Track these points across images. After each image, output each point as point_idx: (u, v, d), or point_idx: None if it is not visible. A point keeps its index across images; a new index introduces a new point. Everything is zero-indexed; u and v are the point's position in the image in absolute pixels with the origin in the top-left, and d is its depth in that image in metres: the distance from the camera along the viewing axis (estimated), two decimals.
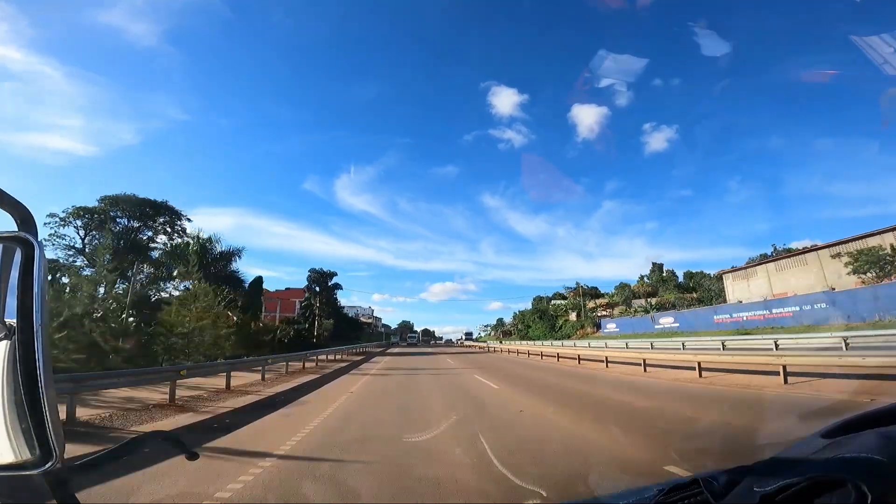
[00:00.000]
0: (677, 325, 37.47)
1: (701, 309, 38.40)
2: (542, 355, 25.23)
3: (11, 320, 0.83)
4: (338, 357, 26.74)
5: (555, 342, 40.46)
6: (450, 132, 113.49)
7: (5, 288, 0.84)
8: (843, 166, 71.66)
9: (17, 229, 0.83)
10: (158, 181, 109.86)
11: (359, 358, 27.89)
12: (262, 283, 34.15)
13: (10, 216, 0.84)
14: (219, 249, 32.49)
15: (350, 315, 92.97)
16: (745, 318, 31.65)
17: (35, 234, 0.81)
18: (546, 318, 66.96)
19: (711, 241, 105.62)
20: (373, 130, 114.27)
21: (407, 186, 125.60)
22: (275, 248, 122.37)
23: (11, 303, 0.84)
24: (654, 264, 63.46)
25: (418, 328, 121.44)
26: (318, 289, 59.07)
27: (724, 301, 38.24)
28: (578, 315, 59.51)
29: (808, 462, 0.73)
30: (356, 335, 77.19)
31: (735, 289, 38.86)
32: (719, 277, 42.14)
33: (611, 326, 49.79)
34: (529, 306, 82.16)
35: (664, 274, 59.53)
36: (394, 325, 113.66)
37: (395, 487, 3.75)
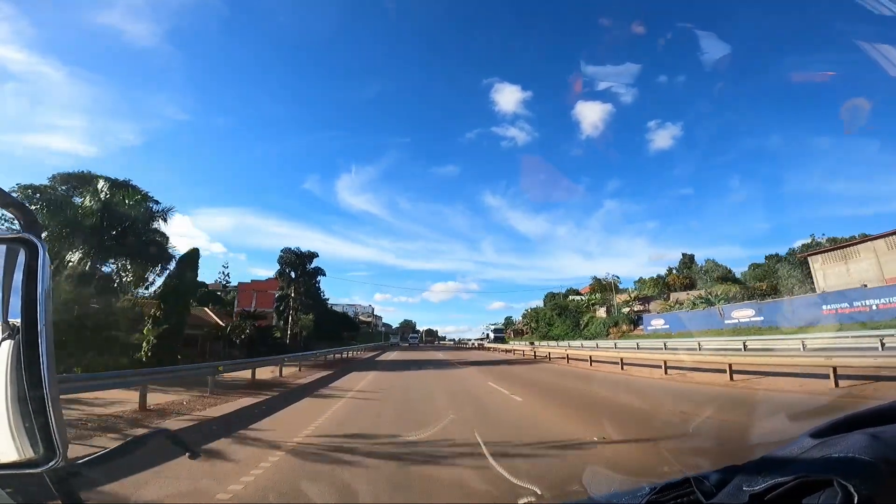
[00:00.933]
0: (760, 318, 33.21)
1: (797, 298, 33.50)
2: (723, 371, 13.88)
3: (16, 320, 0.95)
4: (275, 376, 18.79)
5: (586, 342, 39.07)
6: (451, 130, 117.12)
7: (9, 288, 0.97)
8: (843, 165, 70.69)
9: (20, 230, 0.95)
10: (160, 181, 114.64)
11: (314, 377, 18.83)
12: (197, 257, 25.50)
13: (13, 217, 0.96)
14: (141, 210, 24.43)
15: (348, 313, 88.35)
16: (874, 307, 26.02)
17: (39, 236, 0.93)
18: (567, 315, 64.59)
19: (712, 241, 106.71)
20: (373, 130, 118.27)
21: (408, 186, 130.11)
22: (275, 248, 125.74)
23: (16, 303, 0.96)
24: (683, 255, 63.71)
25: (420, 328, 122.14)
26: (293, 275, 49.36)
27: (812, 289, 34.45)
28: (608, 311, 57.84)
29: (797, 462, 0.81)
30: (350, 335, 70.84)
31: (826, 274, 34.25)
32: (803, 261, 37.88)
33: (657, 323, 44.91)
34: (542, 304, 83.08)
35: (705, 264, 57.94)
36: (395, 325, 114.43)
37: None
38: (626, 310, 54.83)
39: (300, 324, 47.14)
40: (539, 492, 3.31)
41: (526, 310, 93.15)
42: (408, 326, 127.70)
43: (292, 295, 47.87)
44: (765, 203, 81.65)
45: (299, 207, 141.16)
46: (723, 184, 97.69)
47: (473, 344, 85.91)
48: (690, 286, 53.20)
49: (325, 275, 52.78)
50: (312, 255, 51.49)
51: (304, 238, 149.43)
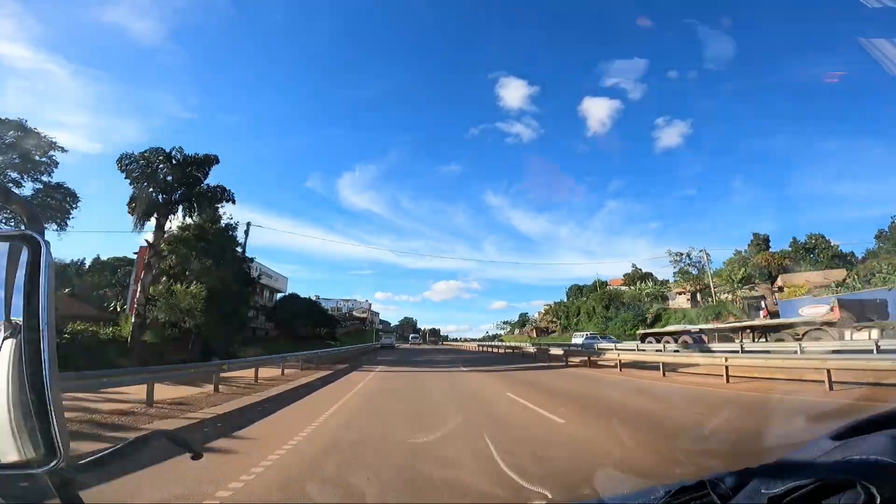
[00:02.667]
0: None
1: None
2: None
3: (18, 319, 0.92)
4: None
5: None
6: (455, 127, 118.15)
7: (12, 286, 0.94)
8: (849, 167, 73.04)
9: (24, 228, 0.93)
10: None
11: None
12: None
13: (17, 214, 0.94)
14: None
15: (323, 305, 68.41)
16: None
17: (42, 233, 0.92)
18: (621, 307, 55.35)
19: (713, 241, 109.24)
20: (376, 128, 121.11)
21: (410, 184, 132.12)
22: (277, 245, 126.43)
23: (18, 301, 0.94)
24: (755, 235, 57.53)
25: (422, 326, 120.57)
26: (161, 198, 27.29)
27: None
28: (693, 300, 50.85)
29: (817, 464, 0.80)
30: (327, 331, 54.73)
31: None
32: None
33: (814, 311, 28.05)
34: (550, 301, 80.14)
35: (808, 241, 52.11)
36: (393, 323, 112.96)
37: None
38: (725, 296, 46.12)
39: (179, 297, 25.76)
40: (549, 495, 3.27)
41: (547, 305, 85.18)
42: (408, 324, 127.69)
43: (150, 240, 27.60)
44: (772, 204, 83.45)
45: (302, 205, 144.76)
46: (727, 185, 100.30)
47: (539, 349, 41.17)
48: (785, 269, 48.35)
49: (233, 202, 30.40)
50: (206, 162, 28.12)
51: (305, 236, 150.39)
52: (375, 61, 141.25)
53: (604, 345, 32.73)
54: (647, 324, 47.16)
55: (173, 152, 25.60)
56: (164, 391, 13.12)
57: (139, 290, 24.83)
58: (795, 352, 18.09)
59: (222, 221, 29.09)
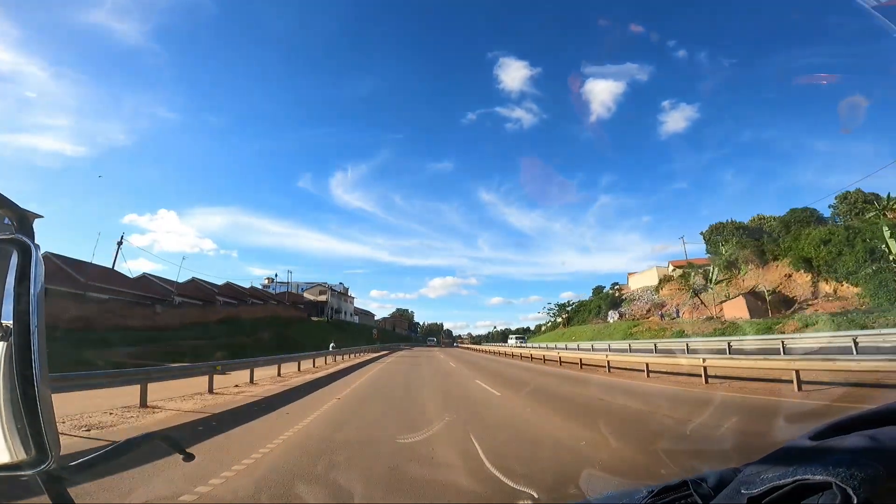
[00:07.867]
0: None
1: None
2: None
3: (8, 322, 0.92)
4: None
5: None
6: (449, 118, 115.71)
7: (1, 290, 0.94)
8: (839, 162, 73.82)
9: (13, 232, 0.92)
10: (150, 181, 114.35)
11: None
12: None
13: (5, 218, 0.93)
14: None
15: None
16: None
17: (31, 237, 0.91)
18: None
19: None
20: (367, 126, 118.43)
21: (402, 182, 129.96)
22: (270, 247, 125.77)
23: (7, 305, 0.93)
24: None
25: (419, 321, 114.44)
26: None
27: None
28: None
29: (796, 464, 0.81)
30: None
31: None
32: None
33: None
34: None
35: None
36: (380, 317, 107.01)
37: None
38: None
39: None
40: (535, 494, 3.29)
41: (690, 262, 50.37)
42: (402, 318, 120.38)
43: None
44: (767, 199, 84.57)
45: (293, 205, 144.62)
46: (720, 176, 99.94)
47: None
48: None
49: None
50: None
51: (299, 237, 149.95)
52: (365, 51, 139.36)
53: None
54: None
55: None
56: None
57: None
58: None
59: None
